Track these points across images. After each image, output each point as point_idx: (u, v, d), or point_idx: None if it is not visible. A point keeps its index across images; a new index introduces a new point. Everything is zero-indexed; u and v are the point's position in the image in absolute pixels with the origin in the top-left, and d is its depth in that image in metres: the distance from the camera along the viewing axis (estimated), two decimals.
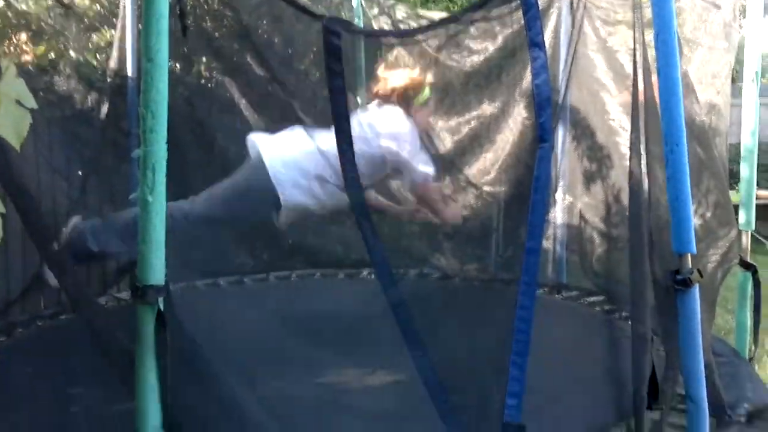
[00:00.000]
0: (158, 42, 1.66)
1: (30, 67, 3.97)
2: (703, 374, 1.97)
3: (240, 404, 2.58)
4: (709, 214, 3.07)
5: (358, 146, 2.75)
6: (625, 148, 3.74)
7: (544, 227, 2.05)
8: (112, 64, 4.01)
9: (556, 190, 4.36)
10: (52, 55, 4.02)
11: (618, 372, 2.30)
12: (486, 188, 4.10)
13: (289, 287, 4.46)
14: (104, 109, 3.89)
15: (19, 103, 1.51)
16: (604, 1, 4.05)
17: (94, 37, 4.28)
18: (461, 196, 4.13)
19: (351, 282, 4.45)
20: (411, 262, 4.07)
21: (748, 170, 3.31)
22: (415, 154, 3.19)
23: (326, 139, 2.94)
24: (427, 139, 3.60)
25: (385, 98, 3.28)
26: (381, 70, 3.40)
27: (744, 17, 3.40)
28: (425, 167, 3.15)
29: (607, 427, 2.24)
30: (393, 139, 3.07)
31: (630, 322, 2.28)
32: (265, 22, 4.62)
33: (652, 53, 2.20)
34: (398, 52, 3.96)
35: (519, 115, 4.23)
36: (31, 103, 1.54)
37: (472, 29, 4.09)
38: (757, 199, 3.42)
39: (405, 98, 3.30)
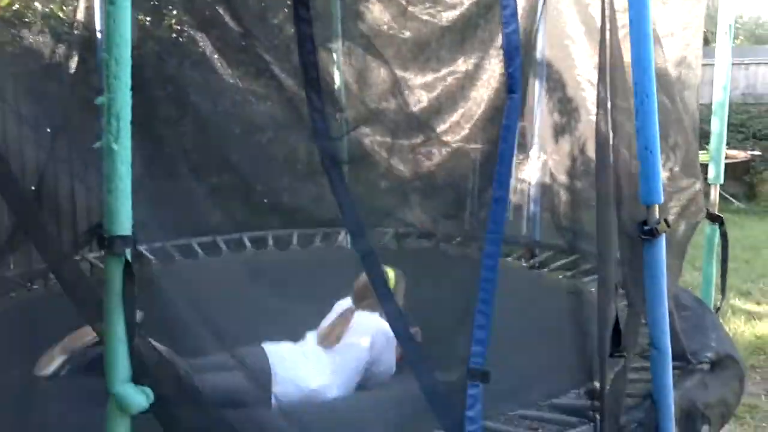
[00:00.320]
0: None
1: None
2: (668, 322, 2.01)
3: (212, 358, 2.60)
4: (677, 168, 3.09)
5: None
6: (591, 103, 3.75)
7: (511, 177, 2.05)
8: (80, 15, 3.91)
9: (530, 147, 4.37)
10: (17, 6, 3.92)
11: (583, 320, 2.33)
12: (459, 145, 4.10)
13: (264, 247, 4.46)
14: (73, 63, 3.80)
15: None
16: None
17: None
18: (436, 154, 4.13)
19: (325, 243, 4.46)
20: (383, 218, 4.08)
21: (718, 124, 3.32)
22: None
23: None
24: None
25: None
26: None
27: None
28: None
29: (571, 372, 2.28)
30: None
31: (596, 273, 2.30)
32: None
33: (620, 3, 2.19)
34: None
35: (494, 72, 4.21)
36: None
37: None
38: (726, 158, 3.45)
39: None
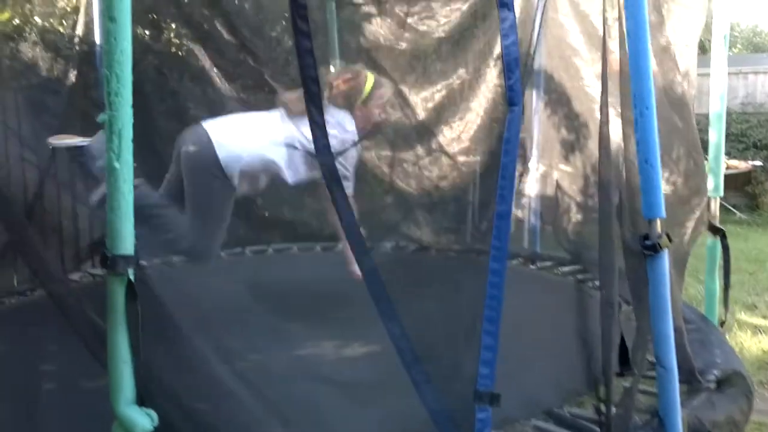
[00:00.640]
0: (120, 0, 1.61)
1: None
2: (673, 339, 1.99)
3: (214, 376, 2.57)
4: (680, 181, 3.09)
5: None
6: (597, 113, 3.75)
7: (514, 191, 2.05)
8: (79, 30, 3.92)
9: (530, 159, 4.37)
10: (17, 21, 3.92)
11: (589, 339, 2.32)
12: (460, 158, 4.10)
13: (265, 261, 4.45)
14: (72, 77, 3.81)
15: None
16: None
17: (60, 2, 4.18)
18: (435, 166, 4.12)
19: (326, 255, 4.45)
20: (385, 232, 4.07)
21: (716, 135, 3.32)
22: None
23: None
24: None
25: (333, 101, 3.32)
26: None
27: None
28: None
29: (578, 394, 2.27)
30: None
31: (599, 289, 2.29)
32: None
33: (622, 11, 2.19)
34: None
35: (492, 82, 4.22)
36: None
37: None
38: (727, 168, 3.45)
39: (348, 99, 3.35)
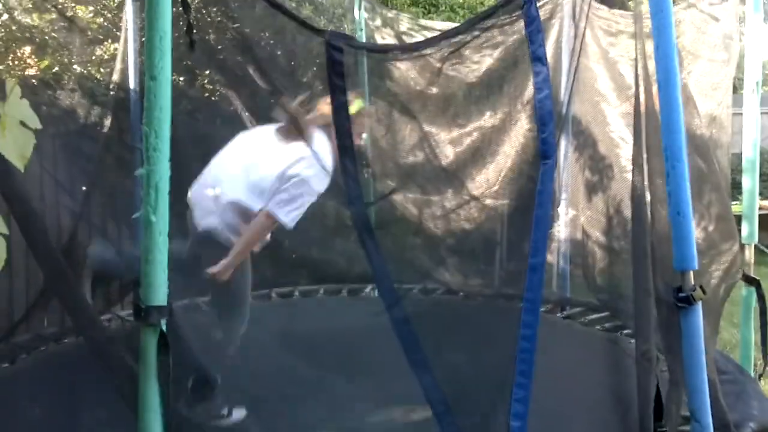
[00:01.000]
0: (161, 60, 1.66)
1: (34, 81, 3.99)
2: (707, 393, 1.96)
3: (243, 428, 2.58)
4: (711, 228, 3.06)
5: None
6: (625, 160, 3.75)
7: (548, 242, 2.05)
8: (115, 77, 4.02)
9: (558, 204, 4.35)
10: (56, 68, 4.04)
11: (623, 392, 2.28)
12: (488, 201, 4.10)
13: (291, 304, 4.46)
14: (107, 123, 3.89)
15: (23, 124, 1.52)
16: (605, 11, 4.06)
17: (98, 50, 4.29)
18: (464, 209, 4.12)
19: (354, 299, 4.45)
20: (414, 276, 4.06)
21: (750, 181, 3.29)
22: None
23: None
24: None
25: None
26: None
27: (744, 25, 3.39)
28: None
29: None
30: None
31: (634, 341, 2.26)
32: (267, 34, 4.63)
33: (652, 64, 2.20)
34: None
35: (521, 127, 4.23)
36: (36, 123, 1.55)
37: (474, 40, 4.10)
38: (759, 209, 3.40)
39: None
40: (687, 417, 2.03)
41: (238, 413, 2.88)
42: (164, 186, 1.66)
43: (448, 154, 4.34)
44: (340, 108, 2.06)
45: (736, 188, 3.61)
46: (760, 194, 3.48)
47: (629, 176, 3.07)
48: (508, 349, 1.88)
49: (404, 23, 5.36)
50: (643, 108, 2.36)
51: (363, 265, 3.95)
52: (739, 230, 3.23)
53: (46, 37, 4.13)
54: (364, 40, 4.90)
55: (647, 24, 2.26)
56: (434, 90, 4.33)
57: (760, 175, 3.46)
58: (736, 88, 4.08)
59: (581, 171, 4.27)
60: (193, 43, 2.57)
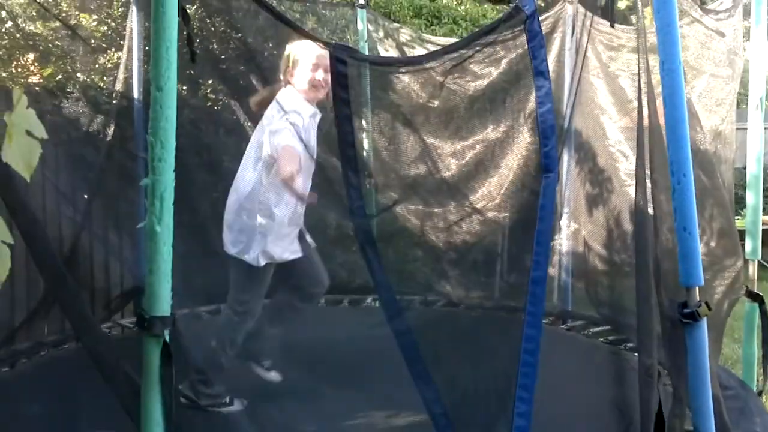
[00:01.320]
0: (168, 70, 1.67)
1: (37, 89, 3.99)
2: (711, 409, 1.95)
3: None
4: (713, 243, 3.05)
5: None
6: (625, 175, 3.75)
7: (550, 256, 2.04)
8: (119, 86, 4.02)
9: (560, 217, 4.35)
10: (60, 76, 4.04)
11: (624, 406, 2.27)
12: (490, 214, 4.09)
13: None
14: (110, 131, 3.89)
15: (29, 133, 1.51)
16: (606, 25, 4.07)
17: (101, 59, 4.30)
18: (466, 222, 4.11)
19: (354, 310, 4.44)
20: (416, 288, 4.06)
21: (754, 197, 3.29)
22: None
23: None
24: None
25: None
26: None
27: (747, 40, 3.40)
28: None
29: None
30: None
31: (637, 356, 2.25)
32: (270, 45, 4.64)
33: (655, 77, 2.20)
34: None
35: (523, 140, 4.23)
36: (42, 133, 1.54)
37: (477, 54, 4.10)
38: (762, 224, 3.40)
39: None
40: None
41: (239, 404, 2.96)
42: (169, 196, 1.66)
43: (450, 166, 4.34)
44: (344, 120, 2.06)
45: (739, 203, 3.61)
46: (763, 209, 3.48)
47: (631, 190, 3.07)
48: (510, 362, 1.87)
49: (406, 35, 5.38)
50: (646, 122, 2.37)
51: (364, 277, 3.95)
52: (743, 246, 3.23)
53: (50, 45, 4.14)
54: (366, 52, 4.90)
55: (650, 39, 2.27)
56: (436, 103, 4.33)
57: (764, 191, 3.46)
58: (739, 103, 4.09)
59: (583, 184, 4.27)
60: (194, 54, 2.57)
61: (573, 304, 4.39)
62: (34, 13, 4.10)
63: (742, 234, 3.26)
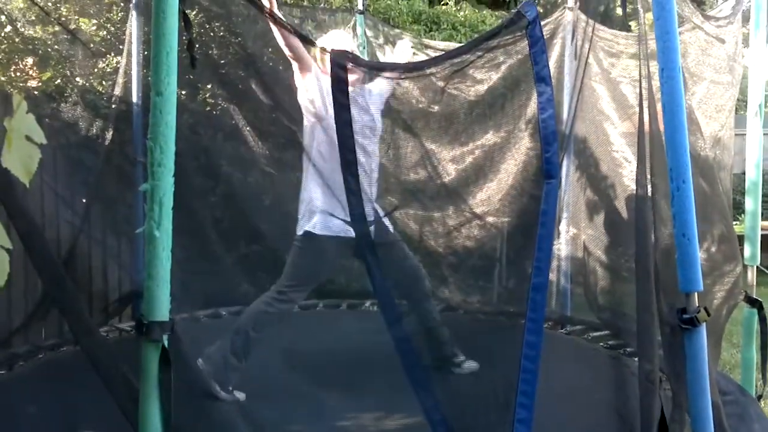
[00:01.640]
0: (168, 75, 1.67)
1: (36, 93, 3.99)
2: (711, 415, 1.95)
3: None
4: (713, 249, 3.05)
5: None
6: (628, 180, 3.75)
7: (550, 262, 2.04)
8: (118, 90, 4.02)
9: (560, 222, 4.35)
10: (58, 81, 4.04)
11: (626, 412, 2.27)
12: (490, 219, 4.09)
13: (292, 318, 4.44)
14: (109, 135, 3.89)
15: (29, 138, 1.51)
16: (607, 31, 4.08)
17: (100, 63, 4.30)
18: (465, 227, 4.11)
19: (353, 314, 4.44)
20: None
21: (752, 203, 3.28)
22: None
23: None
24: None
25: None
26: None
27: (747, 47, 3.40)
28: None
29: None
30: None
31: (637, 362, 2.25)
32: (270, 49, 4.64)
33: (655, 83, 2.20)
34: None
35: (523, 145, 4.23)
36: (41, 138, 1.54)
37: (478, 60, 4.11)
38: (761, 230, 3.39)
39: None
40: None
41: (240, 395, 2.95)
42: (168, 201, 1.66)
43: (450, 171, 4.34)
44: (344, 125, 2.06)
45: (737, 209, 3.60)
46: (761, 215, 3.48)
47: (632, 196, 3.07)
48: (510, 369, 1.87)
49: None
50: (647, 128, 2.37)
51: (362, 282, 3.94)
52: (741, 251, 3.23)
53: (49, 50, 4.13)
54: (366, 58, 4.91)
55: (651, 45, 2.27)
56: (437, 108, 4.34)
57: (762, 196, 3.46)
58: (737, 109, 4.09)
59: (583, 190, 4.27)
60: (194, 59, 2.57)
61: (572, 310, 4.39)
62: (33, 17, 4.10)
63: (740, 239, 3.26)
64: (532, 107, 3.86)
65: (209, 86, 4.42)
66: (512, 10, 4.19)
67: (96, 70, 4.26)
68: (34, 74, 4.13)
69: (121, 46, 4.17)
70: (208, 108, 4.44)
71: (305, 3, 5.83)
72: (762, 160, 3.36)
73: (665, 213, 2.21)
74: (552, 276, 4.36)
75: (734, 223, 3.40)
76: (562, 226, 4.35)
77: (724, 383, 2.94)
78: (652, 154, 2.32)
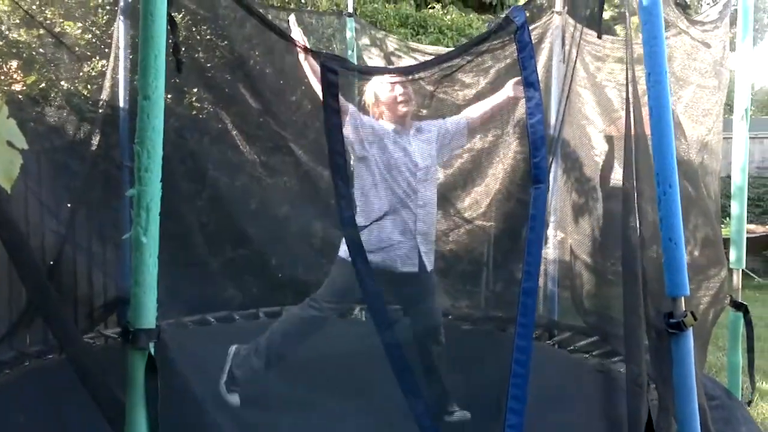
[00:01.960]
0: (156, 80, 1.65)
1: (20, 96, 3.95)
2: (698, 420, 1.95)
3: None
4: (697, 253, 3.06)
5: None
6: (613, 183, 3.76)
7: (540, 267, 2.04)
8: (104, 94, 3.98)
9: (547, 227, 4.36)
10: (43, 84, 4.00)
11: (613, 416, 2.27)
12: (478, 223, 4.09)
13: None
14: (95, 140, 3.85)
15: (10, 144, 1.49)
16: (593, 36, 4.09)
17: (86, 66, 4.26)
18: (454, 231, 4.11)
19: (344, 321, 4.41)
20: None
21: (738, 207, 3.29)
22: None
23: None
24: None
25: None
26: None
27: (733, 50, 3.42)
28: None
29: None
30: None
31: (624, 367, 2.25)
32: (257, 53, 4.63)
33: (641, 87, 2.20)
34: None
35: (511, 150, 4.24)
36: (22, 143, 1.52)
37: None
38: (747, 233, 3.41)
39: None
40: None
41: (234, 398, 3.01)
42: (155, 206, 1.65)
43: (438, 176, 4.34)
44: (333, 129, 2.05)
45: (723, 211, 3.62)
46: (747, 218, 3.49)
47: (618, 200, 3.08)
48: (500, 374, 1.86)
49: (393, 43, 5.39)
50: (632, 132, 2.37)
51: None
52: (727, 255, 3.24)
53: (34, 53, 4.10)
54: (355, 62, 4.91)
55: (637, 49, 2.28)
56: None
57: (747, 200, 3.47)
58: (724, 112, 4.11)
59: (570, 194, 4.28)
60: (180, 63, 2.56)
61: (559, 314, 4.39)
62: (18, 21, 4.06)
63: (726, 242, 3.27)
64: (520, 112, 3.87)
65: (195, 90, 4.40)
66: (499, 14, 4.19)
67: (81, 73, 4.23)
68: (18, 78, 4.09)
69: (107, 50, 4.13)
70: (194, 112, 4.42)
71: (292, 6, 5.81)
72: (748, 163, 3.38)
73: (651, 217, 2.21)
74: (539, 280, 4.37)
75: (720, 226, 3.41)
76: (550, 231, 4.36)
77: (711, 387, 2.95)
78: (638, 158, 2.32)
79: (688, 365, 1.96)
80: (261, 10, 4.88)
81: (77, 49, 4.24)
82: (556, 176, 4.30)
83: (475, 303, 4.22)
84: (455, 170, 4.31)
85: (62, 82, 4.09)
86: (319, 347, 3.17)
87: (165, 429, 1.65)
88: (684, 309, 1.96)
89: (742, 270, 3.29)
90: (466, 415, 2.91)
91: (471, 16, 8.38)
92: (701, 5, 12.09)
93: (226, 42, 4.47)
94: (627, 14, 2.81)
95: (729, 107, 3.46)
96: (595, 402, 2.70)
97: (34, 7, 4.15)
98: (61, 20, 4.23)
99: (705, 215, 3.07)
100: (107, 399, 1.90)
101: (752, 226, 8.27)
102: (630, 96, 2.40)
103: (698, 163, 3.16)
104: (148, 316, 1.64)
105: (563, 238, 4.33)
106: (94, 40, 4.34)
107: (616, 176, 3.58)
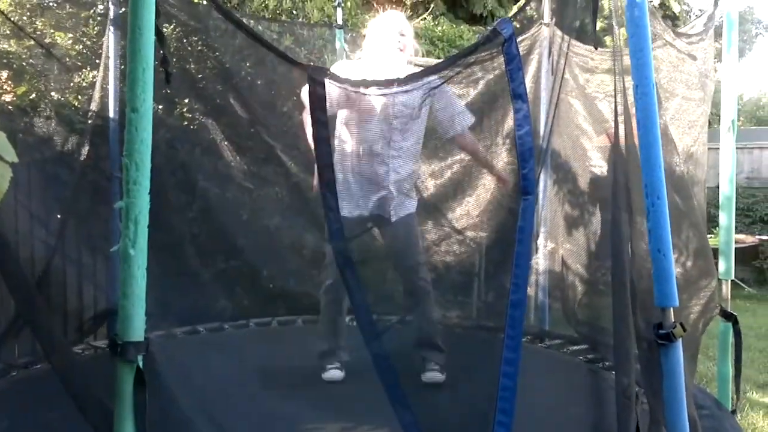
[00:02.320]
0: (144, 92, 1.65)
1: (10, 107, 3.95)
2: (688, 430, 1.95)
3: None
4: (689, 264, 3.08)
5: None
6: (604, 194, 3.78)
7: (528, 279, 2.04)
8: (94, 105, 3.98)
9: (537, 237, 4.37)
10: (33, 95, 4.00)
11: (603, 427, 2.27)
12: (468, 233, 4.10)
13: (269, 334, 4.40)
14: (85, 150, 3.85)
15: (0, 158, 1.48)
16: (582, 47, 4.13)
17: (76, 77, 4.26)
18: (444, 241, 4.12)
19: None
20: (393, 308, 4.04)
21: (726, 218, 3.31)
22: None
23: None
24: None
25: None
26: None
27: (719, 61, 3.45)
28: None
29: None
30: None
31: (614, 377, 2.26)
32: (248, 64, 4.64)
33: (630, 98, 2.22)
34: None
35: (500, 160, 4.25)
36: (13, 157, 1.52)
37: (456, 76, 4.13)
38: (735, 243, 3.43)
39: None
40: None
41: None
42: (144, 219, 1.64)
43: (428, 186, 4.36)
44: (322, 142, 2.06)
45: (711, 222, 3.64)
46: (735, 228, 3.51)
47: (608, 210, 3.09)
48: (489, 386, 1.86)
49: None
50: (622, 143, 2.39)
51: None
52: (716, 265, 3.26)
53: (24, 64, 4.09)
54: None
55: (626, 60, 2.30)
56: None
57: (736, 210, 3.49)
58: (711, 123, 4.14)
59: (560, 204, 4.30)
60: (168, 75, 2.55)
61: (550, 324, 4.40)
62: (7, 32, 4.06)
63: (715, 252, 3.29)
64: (509, 123, 3.89)
65: (186, 101, 4.40)
66: (489, 26, 4.22)
67: (72, 84, 4.22)
68: (8, 88, 4.09)
69: (97, 61, 4.13)
70: (185, 123, 4.42)
71: (283, 17, 5.83)
72: (736, 174, 3.41)
73: (640, 228, 2.22)
74: (530, 290, 4.38)
75: (708, 236, 3.43)
76: (540, 241, 4.37)
77: (701, 397, 2.96)
78: (628, 168, 2.33)
79: (677, 376, 1.96)
80: (252, 21, 4.94)
81: (68, 59, 4.24)
82: (546, 187, 4.32)
83: (465, 313, 4.22)
84: (446, 181, 4.33)
85: (52, 93, 4.09)
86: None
87: None
88: (673, 320, 1.97)
89: (732, 280, 3.30)
90: (436, 377, 2.94)
91: (462, 27, 8.42)
92: (690, 18, 12.17)
93: (216, 53, 4.48)
94: (615, 26, 2.84)
95: (717, 118, 3.48)
96: (584, 410, 2.69)
97: (24, 18, 4.15)
98: (52, 31, 4.24)
99: (694, 226, 3.08)
100: (95, 412, 1.89)
101: (742, 236, 8.29)
102: (619, 107, 2.42)
103: (686, 173, 3.18)
104: (137, 329, 1.63)
105: (554, 248, 4.34)
106: (84, 51, 4.34)
107: (608, 187, 3.60)
